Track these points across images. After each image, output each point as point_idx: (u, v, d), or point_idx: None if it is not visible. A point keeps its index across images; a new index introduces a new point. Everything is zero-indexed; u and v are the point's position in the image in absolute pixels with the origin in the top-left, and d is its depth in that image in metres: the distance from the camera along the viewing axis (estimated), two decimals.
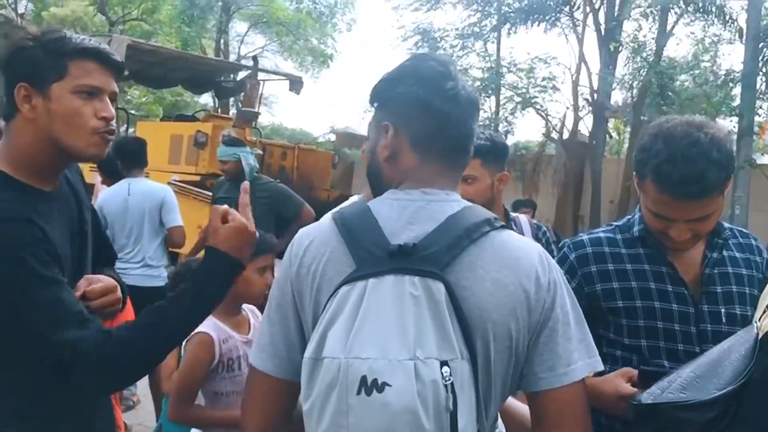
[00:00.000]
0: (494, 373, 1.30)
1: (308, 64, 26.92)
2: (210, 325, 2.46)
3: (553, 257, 1.59)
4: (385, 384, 1.18)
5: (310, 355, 1.25)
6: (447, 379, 1.18)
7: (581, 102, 16.59)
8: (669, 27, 15.71)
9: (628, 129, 18.21)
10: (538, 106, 16.33)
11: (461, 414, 1.19)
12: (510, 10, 16.97)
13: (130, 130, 11.43)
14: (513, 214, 3.10)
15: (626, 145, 19.85)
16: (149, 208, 4.76)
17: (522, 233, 2.92)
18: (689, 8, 15.47)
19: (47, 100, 1.62)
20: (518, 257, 1.33)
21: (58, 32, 1.67)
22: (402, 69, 1.44)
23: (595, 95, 15.78)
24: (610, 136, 17.78)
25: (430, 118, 1.38)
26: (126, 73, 1.80)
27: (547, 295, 1.32)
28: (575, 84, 16.61)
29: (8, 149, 1.66)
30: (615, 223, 2.07)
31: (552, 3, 16.32)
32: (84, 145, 1.65)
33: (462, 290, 1.26)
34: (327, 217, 1.46)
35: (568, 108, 16.73)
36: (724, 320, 1.86)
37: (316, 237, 1.40)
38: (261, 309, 2.62)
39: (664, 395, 1.42)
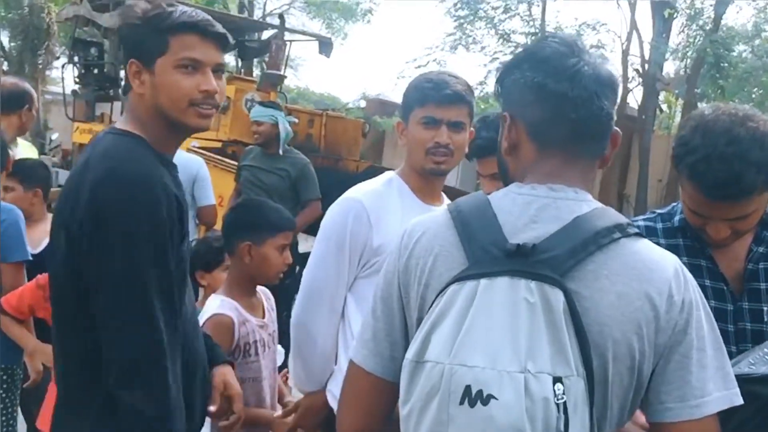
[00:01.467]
0: (611, 395, 1.23)
1: (337, 24, 26.38)
2: (229, 306, 2.42)
3: None
4: (491, 396, 1.14)
5: (412, 357, 1.22)
6: (560, 397, 1.14)
7: (631, 72, 16.11)
8: None
9: (680, 103, 17.68)
10: None
11: None
12: None
13: None
14: None
15: (677, 120, 19.32)
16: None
17: None
18: None
19: (153, 75, 1.74)
20: (651, 269, 1.24)
21: (160, 7, 1.76)
22: (521, 53, 1.39)
23: (647, 66, 15.24)
24: (661, 111, 17.25)
25: (544, 102, 1.30)
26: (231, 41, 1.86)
27: (680, 316, 1.24)
28: (625, 53, 16.19)
29: (131, 119, 1.81)
30: (658, 211, 2.01)
31: None
32: (185, 117, 1.75)
33: (583, 300, 1.20)
34: (443, 209, 1.41)
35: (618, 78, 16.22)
36: (766, 319, 1.80)
37: (429, 228, 1.37)
38: (276, 289, 2.71)
39: (733, 369, 1.34)
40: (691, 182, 1.70)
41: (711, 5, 15.31)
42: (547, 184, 1.31)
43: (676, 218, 1.92)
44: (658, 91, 15.70)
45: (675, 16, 15.42)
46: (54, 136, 12.63)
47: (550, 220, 1.27)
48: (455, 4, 17.79)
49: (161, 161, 1.78)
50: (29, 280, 2.97)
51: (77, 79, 10.23)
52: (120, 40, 1.84)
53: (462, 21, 17.88)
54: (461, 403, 1.15)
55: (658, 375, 1.25)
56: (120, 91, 2.24)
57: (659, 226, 1.95)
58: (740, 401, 1.25)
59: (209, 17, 1.80)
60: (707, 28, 14.84)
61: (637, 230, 1.29)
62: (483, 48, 17.64)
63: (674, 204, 1.96)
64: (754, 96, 16.20)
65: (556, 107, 1.29)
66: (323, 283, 2.18)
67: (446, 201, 2.27)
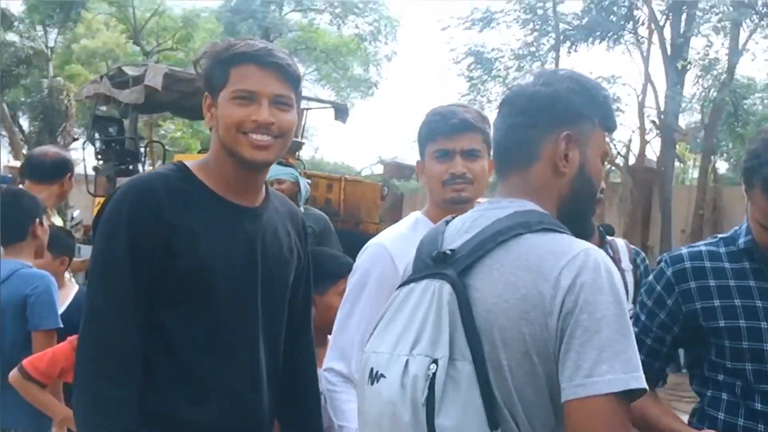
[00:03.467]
0: (515, 380, 1.32)
1: (349, 94, 27.07)
2: None
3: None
4: (381, 375, 1.40)
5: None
6: (429, 375, 1.31)
7: (648, 125, 16.34)
8: (741, 42, 15.44)
9: (695, 155, 17.89)
10: None
11: (447, 412, 1.29)
12: (569, 28, 16.91)
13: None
14: (609, 238, 3.06)
15: (692, 172, 19.50)
16: None
17: (619, 258, 2.91)
18: (763, 22, 15.23)
19: (217, 108, 1.79)
20: (543, 258, 1.35)
21: (227, 42, 1.82)
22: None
23: (663, 117, 15.52)
24: (680, 161, 17.47)
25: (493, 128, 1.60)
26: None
27: (567, 298, 1.31)
28: (641, 105, 16.39)
29: (206, 157, 1.87)
30: (720, 235, 2.03)
31: (614, 19, 16.21)
32: (238, 146, 1.76)
33: (474, 292, 1.37)
34: None
35: (633, 131, 16.52)
36: None
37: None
38: None
39: None
40: (765, 194, 1.74)
41: (725, 54, 15.68)
42: (490, 199, 1.55)
43: (741, 241, 1.93)
44: (676, 142, 15.92)
45: (689, 67, 15.77)
46: (75, 213, 13.03)
47: (475, 228, 1.46)
48: (469, 66, 18.30)
49: (211, 203, 1.79)
50: None
51: (98, 155, 10.63)
52: (201, 75, 1.87)
53: (476, 81, 18.35)
54: (368, 383, 1.42)
55: (559, 358, 1.32)
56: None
57: (722, 250, 1.97)
58: (638, 385, 1.27)
59: (272, 47, 1.80)
60: (722, 78, 15.15)
61: (548, 226, 1.41)
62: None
63: (735, 228, 2.00)
64: None
65: (493, 133, 1.60)
66: (352, 327, 2.21)
67: None
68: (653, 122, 15.90)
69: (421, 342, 1.37)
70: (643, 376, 1.29)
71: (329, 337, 2.54)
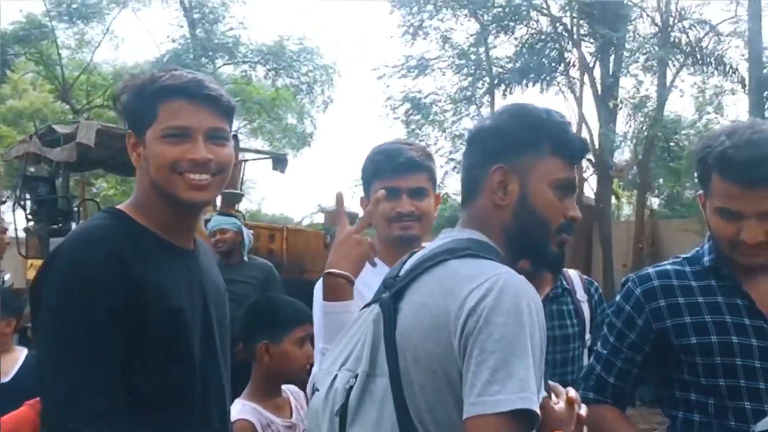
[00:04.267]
0: (426, 397, 1.38)
1: (283, 145, 27.07)
2: (248, 411, 2.37)
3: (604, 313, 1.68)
4: (316, 389, 1.54)
5: None
6: (347, 388, 1.43)
7: (584, 163, 16.72)
8: (669, 80, 16.03)
9: (629, 192, 18.34)
10: None
11: (360, 425, 1.40)
12: (503, 71, 17.31)
13: None
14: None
15: (626, 208, 19.99)
16: None
17: (573, 288, 2.96)
18: (688, 60, 15.86)
19: (145, 148, 1.66)
20: (457, 282, 1.41)
21: (153, 74, 1.69)
22: None
23: (598, 155, 15.93)
24: (617, 197, 17.89)
25: None
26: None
27: (470, 319, 1.35)
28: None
29: (134, 197, 1.74)
30: (682, 256, 2.06)
31: (546, 62, 16.66)
32: (174, 188, 1.64)
33: (400, 312, 1.46)
34: None
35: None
36: None
37: None
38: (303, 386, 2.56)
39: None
40: (721, 173, 1.76)
41: (655, 92, 16.24)
42: (445, 230, 1.63)
43: (706, 259, 1.96)
44: (612, 179, 16.32)
45: (620, 106, 16.27)
46: (6, 277, 12.63)
47: (422, 256, 1.56)
48: (406, 111, 18.50)
49: (159, 248, 1.67)
50: (0, 409, 2.91)
51: (29, 216, 10.38)
52: (121, 111, 1.74)
53: (413, 126, 18.58)
54: (310, 397, 1.58)
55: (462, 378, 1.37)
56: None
57: (687, 269, 1.99)
58: (524, 405, 1.29)
59: (202, 78, 1.69)
60: (652, 114, 15.65)
61: (474, 252, 1.47)
62: (438, 150, 18.29)
63: (697, 249, 2.02)
64: None
65: None
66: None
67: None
68: (589, 160, 16.30)
69: (349, 359, 1.49)
70: (534, 398, 1.31)
71: (284, 387, 2.55)
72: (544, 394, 1.49)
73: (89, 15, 23.47)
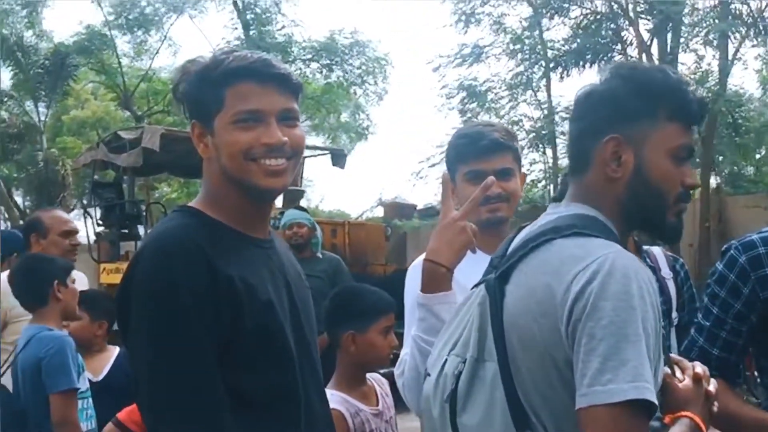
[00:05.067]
0: (535, 383, 1.34)
1: (342, 141, 27.22)
2: (337, 400, 2.37)
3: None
4: (428, 374, 1.53)
5: None
6: (456, 373, 1.41)
7: None
8: (731, 54, 15.63)
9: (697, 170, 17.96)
10: None
11: (471, 410, 1.37)
12: (559, 54, 17.11)
13: None
14: (645, 247, 3.02)
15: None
16: None
17: (658, 265, 2.88)
18: (750, 32, 15.43)
19: (213, 136, 1.58)
20: (563, 263, 1.35)
21: (215, 57, 1.60)
22: None
23: None
24: None
25: None
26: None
27: (576, 304, 1.29)
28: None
29: (203, 192, 1.66)
30: None
31: (602, 42, 16.40)
32: (249, 176, 1.56)
33: (508, 295, 1.41)
34: None
35: None
36: None
37: None
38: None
39: None
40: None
41: (717, 66, 15.85)
42: (552, 204, 1.59)
43: None
44: None
45: None
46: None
47: (528, 233, 1.51)
48: (462, 100, 18.45)
49: (239, 242, 1.59)
50: (95, 407, 3.09)
51: (100, 221, 10.72)
52: (181, 99, 1.63)
53: (470, 115, 18.53)
54: (423, 381, 1.58)
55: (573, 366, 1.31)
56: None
57: None
58: (640, 395, 1.22)
59: (268, 57, 1.61)
60: (713, 89, 15.29)
61: (580, 230, 1.39)
62: None
63: None
64: None
65: None
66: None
67: None
68: None
69: (458, 343, 1.47)
70: (650, 387, 1.24)
71: (368, 376, 2.60)
72: (667, 370, 1.43)
73: (147, 24, 24.04)
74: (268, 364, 1.56)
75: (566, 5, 17.13)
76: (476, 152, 2.17)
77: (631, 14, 16.33)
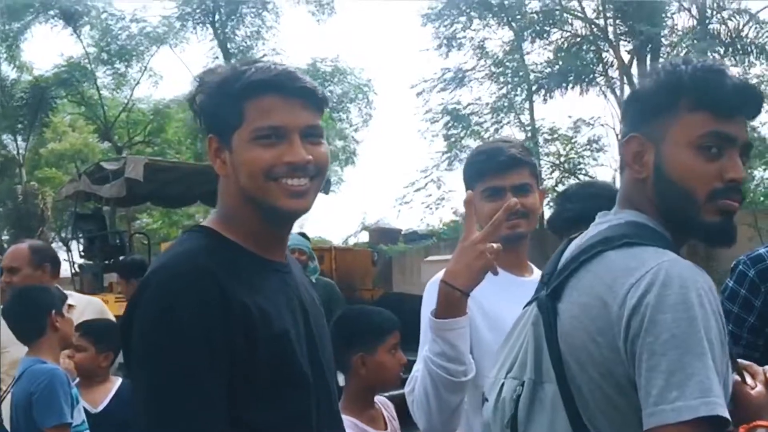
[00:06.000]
0: (596, 403, 1.28)
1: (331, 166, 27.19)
2: (348, 425, 2.22)
3: None
4: (486, 399, 1.48)
5: None
6: (515, 396, 1.36)
7: None
8: None
9: None
10: (583, 173, 16.33)
11: None
12: (542, 76, 17.28)
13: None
14: None
15: None
16: None
17: None
18: (729, 51, 15.67)
19: (231, 153, 1.47)
20: (615, 277, 1.28)
21: (236, 68, 1.49)
22: None
23: None
24: None
25: None
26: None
27: (633, 319, 1.23)
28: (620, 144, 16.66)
29: (220, 210, 1.55)
30: None
31: (584, 64, 16.60)
32: (269, 197, 1.44)
33: (561, 314, 1.35)
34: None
35: (616, 170, 16.74)
36: None
37: None
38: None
39: None
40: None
41: None
42: (601, 213, 1.50)
43: None
44: None
45: None
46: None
47: (578, 246, 1.43)
48: (446, 124, 18.55)
49: (255, 265, 1.48)
50: None
51: (82, 253, 10.65)
52: (198, 112, 1.54)
53: (454, 138, 18.65)
54: (481, 406, 1.52)
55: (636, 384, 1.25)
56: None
57: None
58: (711, 412, 1.16)
59: (291, 69, 1.50)
60: None
61: (632, 239, 1.32)
62: None
63: None
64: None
65: None
66: None
67: (536, 271, 2.21)
68: None
69: (515, 365, 1.41)
70: (720, 401, 1.17)
71: (376, 399, 2.53)
72: (736, 377, 1.36)
73: (128, 55, 24.07)
74: (284, 396, 1.46)
75: (547, 29, 17.35)
76: (494, 168, 2.16)
77: (611, 36, 16.55)
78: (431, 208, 18.70)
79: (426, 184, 18.52)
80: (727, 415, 1.17)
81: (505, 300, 1.90)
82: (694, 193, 1.35)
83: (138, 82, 25.22)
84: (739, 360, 1.43)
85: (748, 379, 1.38)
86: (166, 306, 1.36)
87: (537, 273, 2.17)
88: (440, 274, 1.93)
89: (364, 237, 21.68)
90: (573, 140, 16.79)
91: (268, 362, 1.42)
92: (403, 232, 19.12)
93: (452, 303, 1.79)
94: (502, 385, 1.41)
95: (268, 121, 1.43)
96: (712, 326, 1.22)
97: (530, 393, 1.35)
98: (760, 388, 1.36)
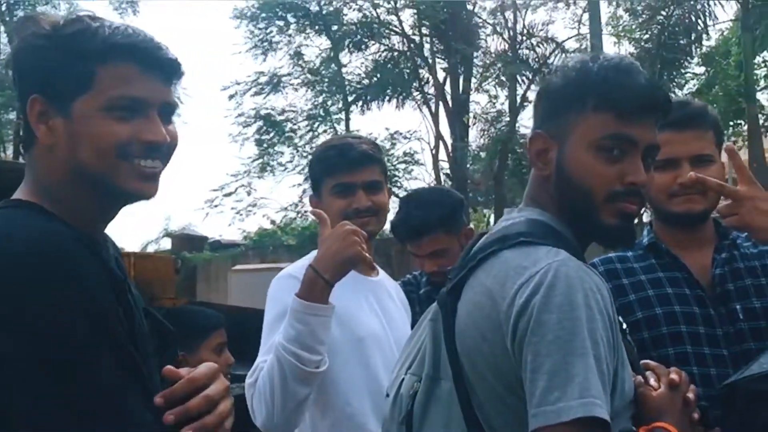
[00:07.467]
0: (490, 400, 1.29)
1: None
2: None
3: None
4: (387, 395, 1.50)
5: None
6: (412, 393, 1.37)
7: (442, 177, 17.08)
8: (520, 96, 16.70)
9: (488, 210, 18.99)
10: (398, 185, 16.60)
11: (428, 430, 1.33)
12: (359, 88, 17.44)
13: None
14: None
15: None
16: None
17: None
18: (537, 76, 16.57)
19: (69, 121, 1.26)
20: (507, 276, 1.28)
21: (80, 23, 1.27)
22: None
23: (455, 169, 16.35)
24: (475, 211, 18.36)
25: None
26: None
27: (521, 319, 1.23)
28: (435, 159, 17.18)
29: (35, 186, 1.30)
30: None
31: (400, 79, 17.02)
32: (119, 178, 1.26)
33: (458, 311, 1.35)
34: None
35: (429, 184, 17.16)
36: (741, 317, 1.90)
37: None
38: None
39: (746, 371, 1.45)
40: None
41: (508, 107, 16.89)
42: (507, 209, 1.51)
43: (645, 240, 2.06)
44: (469, 193, 16.79)
45: (474, 122, 16.77)
46: None
47: (482, 243, 1.43)
48: (258, 129, 18.28)
49: (79, 241, 1.23)
50: None
51: None
52: (15, 66, 1.31)
53: (267, 144, 18.39)
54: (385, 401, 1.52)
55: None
56: (20, 146, 1.47)
57: (630, 254, 2.05)
58: (588, 413, 1.16)
59: (152, 36, 1.33)
60: (504, 129, 16.20)
61: (522, 239, 1.32)
62: (295, 168, 18.21)
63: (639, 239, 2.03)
64: None
65: None
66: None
67: (382, 272, 2.24)
68: (447, 174, 16.65)
69: (415, 362, 1.42)
70: (599, 402, 1.17)
71: None
72: (639, 378, 1.38)
73: None
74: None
75: (365, 40, 17.55)
76: (345, 164, 2.12)
77: (427, 54, 16.98)
78: (242, 214, 18.40)
79: (236, 189, 18.16)
80: (605, 416, 1.17)
81: (353, 299, 2.01)
82: (593, 194, 1.37)
83: None
84: (647, 361, 1.47)
85: (652, 381, 1.40)
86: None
87: (383, 274, 2.25)
88: (288, 269, 2.08)
89: (167, 244, 20.72)
90: (389, 152, 17.00)
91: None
92: (210, 240, 18.55)
93: (315, 290, 1.84)
94: (402, 380, 1.42)
95: (128, 91, 1.27)
96: (597, 327, 1.22)
97: (427, 389, 1.35)
98: (663, 389, 1.38)
